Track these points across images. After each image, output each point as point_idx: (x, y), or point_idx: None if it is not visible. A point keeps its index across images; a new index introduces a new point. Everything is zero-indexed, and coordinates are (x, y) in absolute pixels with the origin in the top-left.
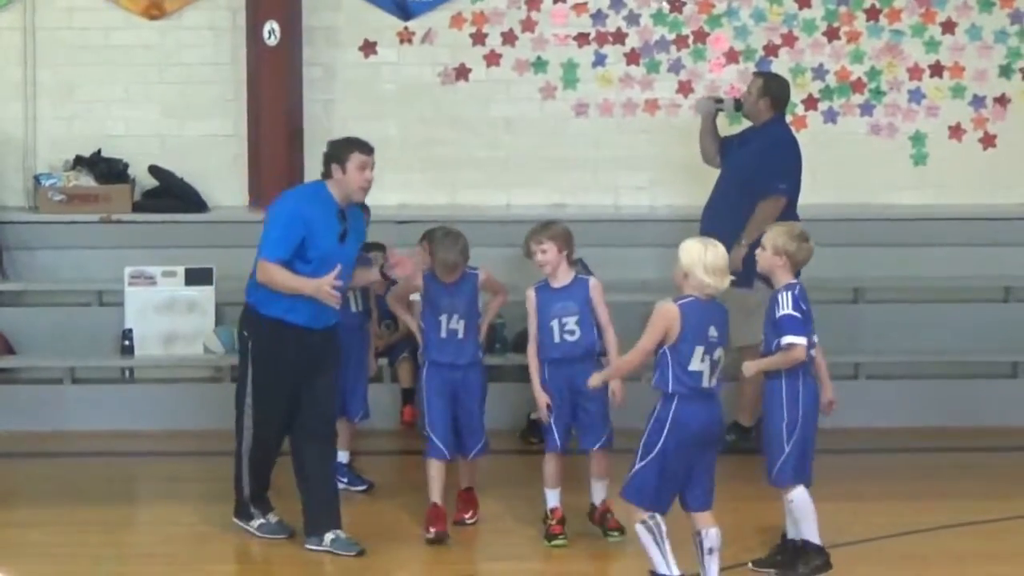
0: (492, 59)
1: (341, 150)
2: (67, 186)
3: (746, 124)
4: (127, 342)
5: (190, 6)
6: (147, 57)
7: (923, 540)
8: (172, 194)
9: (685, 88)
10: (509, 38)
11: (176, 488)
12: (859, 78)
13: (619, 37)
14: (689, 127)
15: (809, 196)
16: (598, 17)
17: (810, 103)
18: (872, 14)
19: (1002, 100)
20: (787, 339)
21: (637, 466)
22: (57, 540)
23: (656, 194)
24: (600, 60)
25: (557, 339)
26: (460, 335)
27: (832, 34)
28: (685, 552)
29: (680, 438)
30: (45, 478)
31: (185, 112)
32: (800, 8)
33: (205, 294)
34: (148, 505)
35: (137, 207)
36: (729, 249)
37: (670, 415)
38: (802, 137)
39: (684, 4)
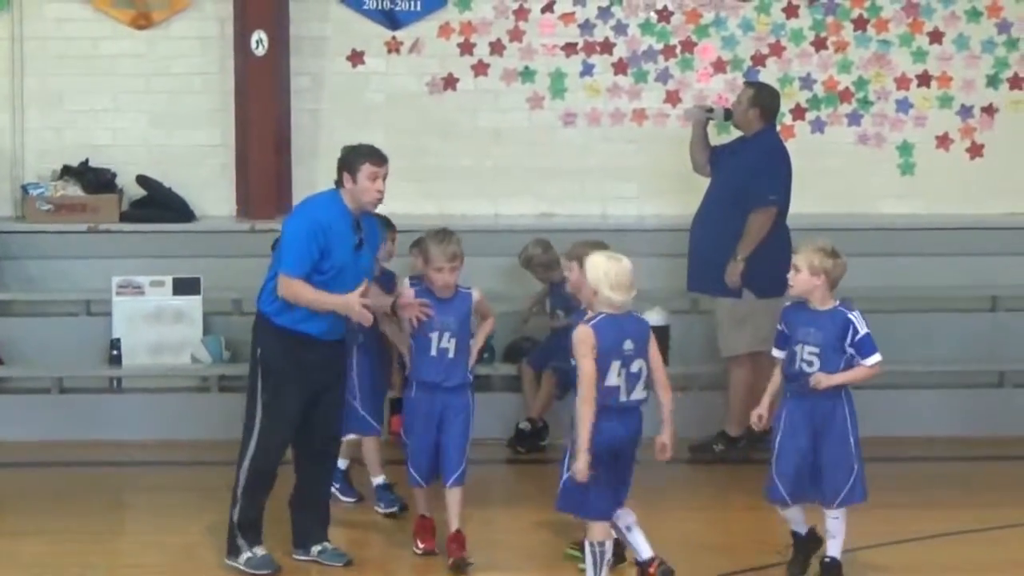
0: (480, 69)
1: (353, 159)
2: (55, 196)
3: (735, 133)
4: (115, 352)
5: (178, 16)
6: (135, 67)
7: (911, 550)
8: (160, 204)
9: (673, 98)
10: (497, 48)
11: (165, 498)
12: (847, 88)
13: (607, 47)
14: (677, 137)
15: (796, 206)
16: (586, 27)
17: (798, 113)
18: (860, 24)
19: (989, 110)
20: (877, 358)
21: (565, 477)
22: (45, 550)
23: (644, 204)
24: (588, 70)
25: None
26: (451, 354)
27: (820, 44)
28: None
29: (595, 450)
30: (33, 488)
31: (173, 122)
32: (788, 18)
33: (193, 304)
34: (136, 515)
35: (125, 217)
36: (725, 264)
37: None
38: (790, 147)
39: (672, 14)
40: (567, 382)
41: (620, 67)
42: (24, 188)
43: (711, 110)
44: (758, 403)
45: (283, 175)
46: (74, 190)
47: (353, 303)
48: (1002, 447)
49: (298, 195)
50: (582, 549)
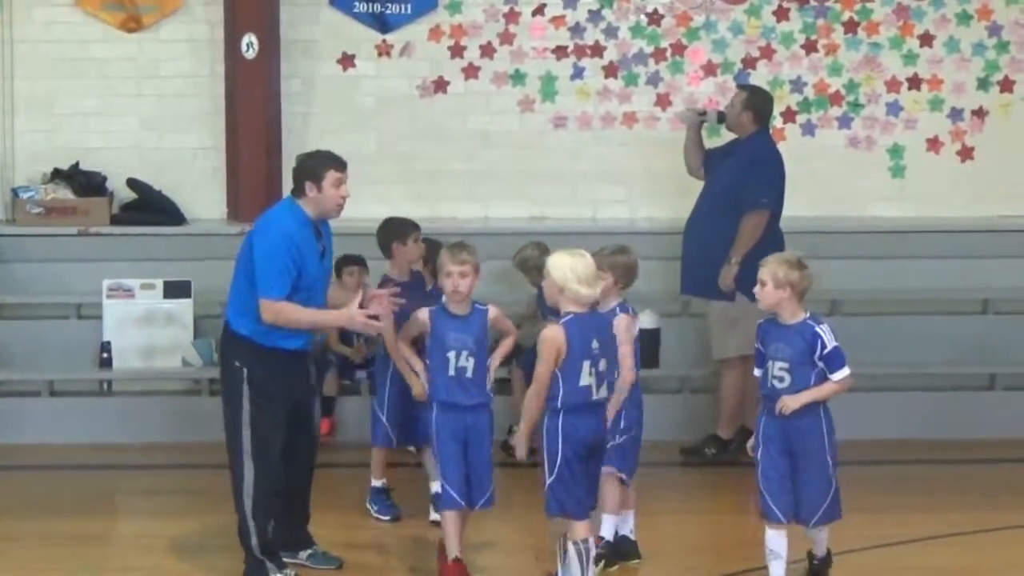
0: (470, 72)
1: (316, 167)
2: (45, 199)
3: (726, 136)
4: (105, 355)
5: (168, 19)
6: (125, 70)
7: (901, 553)
8: (150, 207)
9: (663, 101)
10: (487, 51)
11: (155, 501)
12: (837, 91)
13: (597, 50)
14: (668, 140)
15: (787, 208)
16: (576, 30)
17: (788, 116)
18: (850, 27)
19: (980, 113)
20: (845, 372)
21: (549, 481)
22: (35, 554)
23: (635, 207)
24: (578, 73)
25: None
26: (469, 374)
27: (810, 47)
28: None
29: (574, 448)
30: (23, 491)
31: (163, 125)
32: (778, 21)
33: (183, 307)
34: (126, 518)
35: (115, 220)
36: (719, 267)
37: (559, 427)
38: (780, 150)
39: (662, 17)
40: None
41: (610, 70)
42: (14, 191)
43: (704, 113)
44: (751, 406)
45: (273, 178)
46: (64, 193)
47: (356, 316)
48: (993, 450)
49: None
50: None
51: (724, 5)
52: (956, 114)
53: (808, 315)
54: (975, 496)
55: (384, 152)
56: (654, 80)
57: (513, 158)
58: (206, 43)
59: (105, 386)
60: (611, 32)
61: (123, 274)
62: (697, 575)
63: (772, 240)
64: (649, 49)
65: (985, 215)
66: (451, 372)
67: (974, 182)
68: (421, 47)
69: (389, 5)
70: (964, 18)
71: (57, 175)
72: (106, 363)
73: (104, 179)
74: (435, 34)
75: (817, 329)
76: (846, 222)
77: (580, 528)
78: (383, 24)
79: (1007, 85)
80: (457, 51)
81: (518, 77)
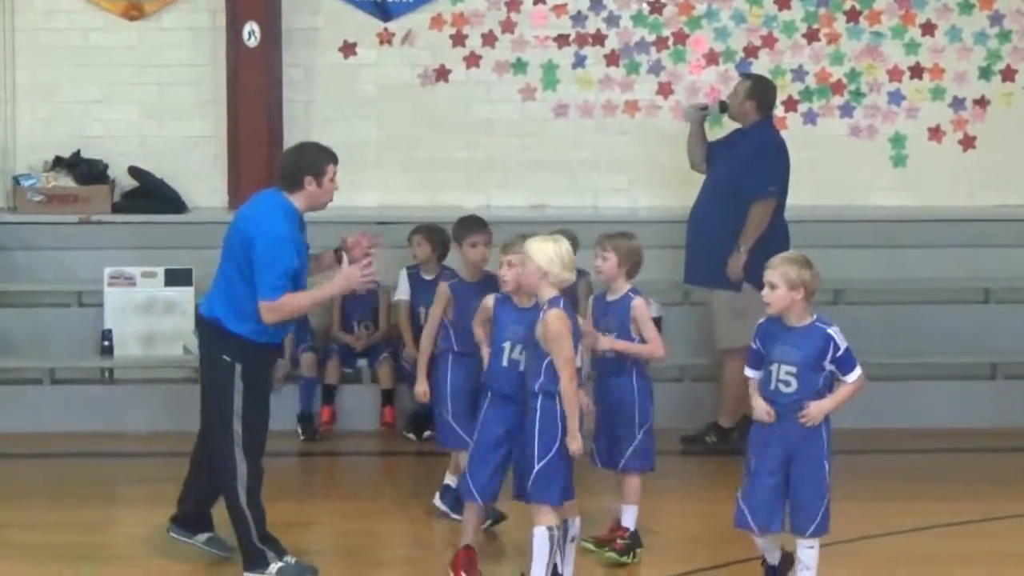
0: (472, 60)
1: (318, 162)
2: (46, 187)
3: (729, 126)
4: (107, 343)
5: (169, 7)
6: (126, 58)
7: (900, 541)
8: (152, 195)
9: (665, 90)
10: (489, 39)
11: (155, 489)
12: (839, 80)
13: (599, 39)
14: (669, 129)
15: (789, 197)
16: (578, 19)
17: (790, 105)
18: (852, 16)
19: (982, 102)
20: (858, 372)
21: (539, 466)
22: (36, 541)
23: (636, 196)
24: (580, 61)
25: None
26: (521, 367)
27: (812, 36)
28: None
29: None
30: (24, 479)
31: (165, 113)
32: (780, 10)
33: (185, 295)
34: (128, 506)
35: (116, 208)
36: (723, 257)
37: (558, 410)
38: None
39: (664, 6)
40: None
41: (612, 59)
42: (16, 179)
43: (705, 107)
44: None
45: (274, 167)
46: (66, 181)
47: (353, 274)
48: (995, 439)
49: None
50: (599, 542)
51: None
52: (958, 103)
53: (816, 317)
54: (975, 485)
55: (385, 141)
56: (656, 69)
57: (515, 147)
58: (207, 31)
59: (106, 374)
60: (613, 20)
61: (124, 262)
62: (698, 563)
63: (777, 229)
64: (651, 38)
65: (987, 204)
66: (504, 363)
67: (976, 171)
68: (423, 35)
69: None
70: (966, 7)
71: (58, 163)
72: (107, 351)
73: (105, 167)
74: (437, 22)
75: (829, 331)
76: (847, 211)
77: (555, 514)
78: (385, 12)
79: (1009, 74)
80: (459, 39)
81: (520, 66)
